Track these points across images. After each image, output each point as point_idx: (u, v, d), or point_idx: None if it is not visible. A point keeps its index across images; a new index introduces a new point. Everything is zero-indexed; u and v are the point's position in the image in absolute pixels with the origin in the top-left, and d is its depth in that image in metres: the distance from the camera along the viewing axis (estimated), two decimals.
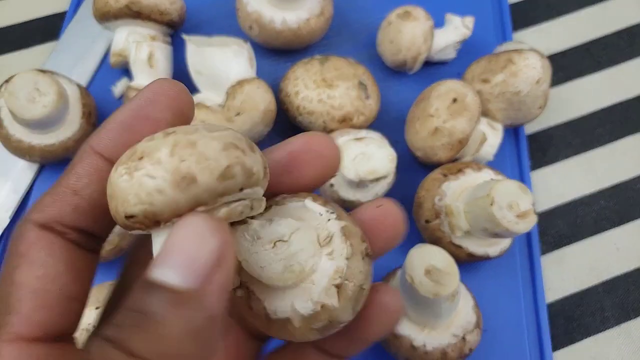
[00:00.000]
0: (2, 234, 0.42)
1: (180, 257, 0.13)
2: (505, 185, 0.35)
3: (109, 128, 0.18)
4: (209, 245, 0.13)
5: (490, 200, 0.35)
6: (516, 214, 0.35)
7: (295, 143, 0.19)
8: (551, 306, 0.41)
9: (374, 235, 0.20)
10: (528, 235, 0.42)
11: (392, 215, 0.20)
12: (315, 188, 0.20)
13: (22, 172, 0.44)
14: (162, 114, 0.18)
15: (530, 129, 0.47)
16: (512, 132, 0.46)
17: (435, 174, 0.40)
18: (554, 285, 0.42)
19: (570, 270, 0.42)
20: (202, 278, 0.13)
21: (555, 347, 0.40)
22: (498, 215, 0.34)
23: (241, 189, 0.16)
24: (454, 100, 0.40)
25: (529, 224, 0.35)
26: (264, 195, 0.18)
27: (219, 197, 0.15)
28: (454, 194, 0.38)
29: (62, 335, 0.18)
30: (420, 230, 0.40)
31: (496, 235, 0.36)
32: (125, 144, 0.17)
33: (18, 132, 0.41)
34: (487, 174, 0.39)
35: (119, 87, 0.47)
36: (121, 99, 0.47)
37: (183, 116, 0.18)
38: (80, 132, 0.42)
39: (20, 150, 0.41)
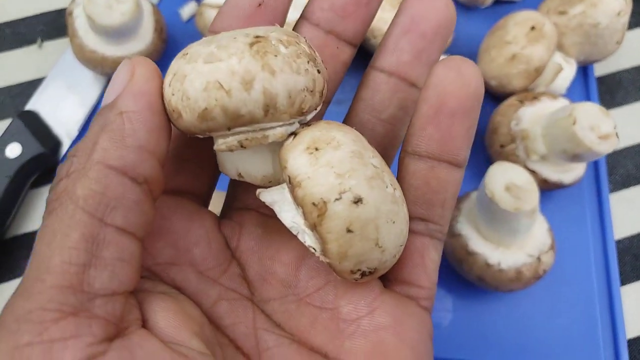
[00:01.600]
0: (71, 145, 0.42)
1: (108, 88, 0.17)
2: (588, 106, 0.35)
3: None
4: (121, 71, 0.17)
5: (572, 120, 0.34)
6: (598, 135, 0.34)
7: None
8: (619, 243, 0.41)
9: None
10: (596, 170, 0.42)
11: None
12: None
13: (90, 86, 0.44)
14: None
15: (599, 71, 0.46)
16: (581, 71, 0.45)
17: (511, 100, 0.39)
18: (622, 224, 0.41)
19: (638, 210, 0.42)
20: (116, 92, 0.17)
21: (622, 283, 0.39)
22: (580, 134, 0.34)
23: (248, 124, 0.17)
24: (532, 28, 0.40)
25: (611, 145, 0.34)
26: None
27: (211, 131, 0.17)
28: (531, 119, 0.38)
29: (178, 190, 0.20)
30: (494, 155, 0.40)
31: (575, 157, 0.35)
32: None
33: (92, 43, 0.41)
34: (563, 103, 0.39)
35: (186, 10, 0.47)
36: (189, 21, 0.47)
37: None
38: (152, 47, 0.42)
39: (93, 60, 0.41)
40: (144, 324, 0.17)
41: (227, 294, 0.19)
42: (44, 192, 0.42)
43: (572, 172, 0.38)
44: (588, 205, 0.41)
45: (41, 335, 0.14)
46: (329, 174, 0.16)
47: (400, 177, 0.20)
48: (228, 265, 0.20)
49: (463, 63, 0.18)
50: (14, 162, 0.39)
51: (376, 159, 0.18)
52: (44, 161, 0.41)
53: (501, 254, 0.35)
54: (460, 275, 0.37)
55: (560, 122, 0.35)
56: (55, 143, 0.42)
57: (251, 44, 0.16)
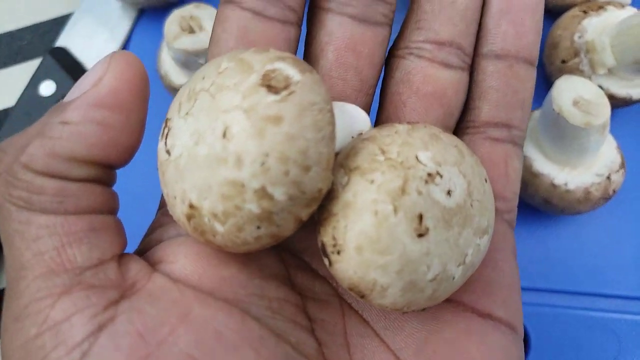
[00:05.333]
0: None
1: (77, 82, 0.16)
2: None
3: None
4: (94, 70, 0.15)
5: None
6: None
7: None
8: None
9: None
10: None
11: None
12: None
13: (119, 19, 0.42)
14: None
15: None
16: None
17: (574, 11, 0.36)
18: None
19: None
20: (79, 92, 0.15)
21: None
22: None
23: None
24: None
25: None
26: None
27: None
28: (597, 30, 0.35)
29: None
30: (554, 73, 0.37)
31: None
32: None
33: None
34: (632, 11, 0.36)
35: None
36: None
37: None
38: None
39: None
40: (160, 269, 0.16)
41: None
42: None
43: None
44: None
45: (45, 323, 0.14)
46: (412, 288, 0.14)
47: (477, 81, 0.19)
48: None
49: None
50: (49, 100, 0.38)
51: (468, 235, 0.15)
52: None
53: (568, 175, 0.33)
54: (520, 202, 0.36)
55: (634, 29, 0.32)
56: None
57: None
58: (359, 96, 0.19)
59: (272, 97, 0.13)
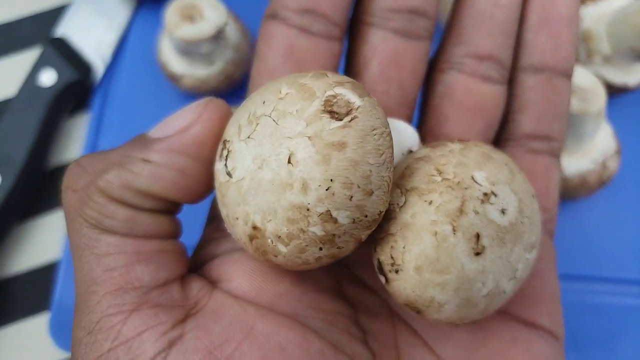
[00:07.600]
0: (105, 71, 0.41)
1: (165, 120, 0.16)
2: None
3: None
4: (185, 114, 0.16)
5: None
6: None
7: None
8: None
9: None
10: None
11: None
12: None
13: (117, 7, 0.42)
14: None
15: None
16: None
17: None
18: None
19: None
20: (165, 133, 0.16)
21: None
22: None
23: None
24: None
25: None
26: None
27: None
28: (593, 18, 0.35)
29: None
30: None
31: None
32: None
33: None
34: (628, 0, 0.36)
35: None
36: None
37: None
38: None
39: None
40: (219, 287, 0.16)
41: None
42: (81, 120, 0.41)
43: (637, 75, 0.36)
44: None
45: (117, 339, 0.14)
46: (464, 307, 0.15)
47: (517, 95, 0.19)
48: None
49: None
50: (50, 90, 0.38)
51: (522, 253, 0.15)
52: (79, 88, 0.40)
53: (564, 161, 0.33)
54: None
55: (629, 18, 0.33)
56: (88, 69, 0.40)
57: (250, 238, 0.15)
58: (402, 109, 0.19)
59: (335, 124, 0.13)
